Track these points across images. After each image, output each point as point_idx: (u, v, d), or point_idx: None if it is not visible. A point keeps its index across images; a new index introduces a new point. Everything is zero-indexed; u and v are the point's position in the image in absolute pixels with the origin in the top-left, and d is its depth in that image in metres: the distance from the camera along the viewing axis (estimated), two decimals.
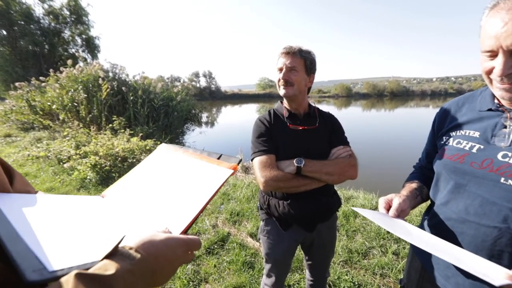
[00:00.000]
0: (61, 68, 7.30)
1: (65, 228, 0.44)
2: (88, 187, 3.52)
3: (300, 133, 1.15)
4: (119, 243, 0.36)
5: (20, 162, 4.64)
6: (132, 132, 5.37)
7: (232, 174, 0.57)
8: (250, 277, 1.89)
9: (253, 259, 2.09)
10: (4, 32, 18.06)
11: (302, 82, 1.13)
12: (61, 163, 4.29)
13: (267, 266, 1.30)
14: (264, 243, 1.25)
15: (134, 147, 4.46)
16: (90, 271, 0.32)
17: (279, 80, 1.13)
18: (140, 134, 5.18)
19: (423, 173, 0.96)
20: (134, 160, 4.15)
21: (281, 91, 1.13)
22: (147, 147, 4.60)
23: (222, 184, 0.55)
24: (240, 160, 0.61)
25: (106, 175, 3.79)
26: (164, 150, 0.75)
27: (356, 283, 1.87)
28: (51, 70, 7.61)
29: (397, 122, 16.29)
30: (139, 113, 6.66)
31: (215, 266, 2.03)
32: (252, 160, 1.14)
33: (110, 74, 7.43)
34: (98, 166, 3.80)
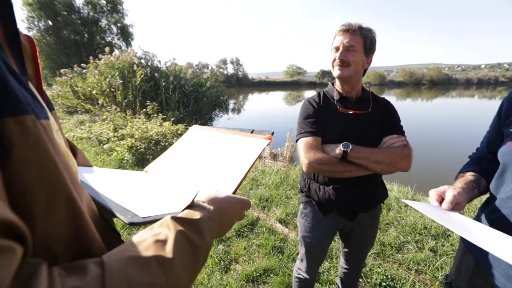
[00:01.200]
0: (100, 56, 7.73)
1: (131, 192, 0.48)
2: (125, 167, 3.75)
3: (350, 117, 1.09)
4: (195, 196, 0.41)
5: None
6: (164, 117, 5.58)
7: (268, 144, 0.59)
8: (279, 261, 1.90)
9: (282, 244, 2.10)
10: (50, 23, 19.48)
11: (360, 63, 1.05)
12: (101, 144, 4.61)
13: (302, 250, 1.29)
14: (302, 226, 1.24)
15: (166, 131, 4.64)
16: (180, 215, 0.37)
17: (334, 60, 1.06)
18: (172, 119, 5.37)
19: (481, 164, 0.86)
20: (167, 144, 4.33)
21: (336, 72, 1.07)
22: (178, 132, 4.76)
23: (260, 154, 0.57)
24: (273, 133, 0.63)
25: (141, 156, 4.00)
26: (197, 130, 0.78)
27: (389, 276, 1.80)
28: (90, 57, 8.08)
29: (435, 113, 15.04)
30: (170, 98, 6.89)
31: (244, 248, 2.08)
32: (297, 141, 1.11)
33: (143, 61, 7.73)
34: (134, 148, 4.02)
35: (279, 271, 1.80)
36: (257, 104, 20.62)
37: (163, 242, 0.33)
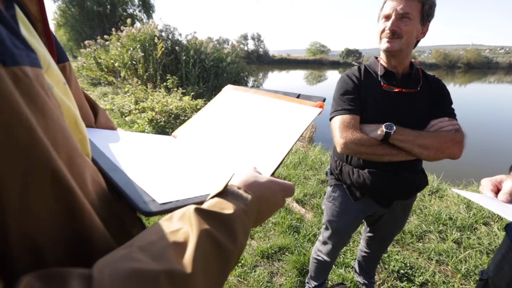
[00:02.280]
0: (122, 27, 7.70)
1: (154, 165, 0.42)
2: None
3: (394, 96, 0.97)
4: (229, 180, 0.33)
5: None
6: (184, 91, 5.57)
7: (320, 113, 0.49)
8: (295, 240, 1.89)
9: (298, 224, 2.08)
10: None
11: (414, 34, 0.91)
12: (123, 116, 4.71)
13: (325, 234, 1.25)
14: (328, 209, 1.18)
15: (186, 105, 4.64)
16: (207, 207, 0.29)
17: (382, 31, 0.93)
18: (192, 94, 5.35)
19: None
20: (186, 118, 4.34)
21: (383, 44, 0.94)
22: (198, 106, 4.75)
23: (309, 124, 0.48)
24: (324, 99, 0.53)
25: (161, 130, 4.06)
26: (232, 90, 0.68)
27: (408, 264, 1.75)
28: (113, 29, 8.08)
29: (468, 99, 13.92)
30: (190, 73, 6.82)
31: (260, 225, 2.09)
32: (331, 119, 1.02)
33: (164, 34, 7.62)
34: (154, 121, 4.08)
35: (295, 250, 1.79)
36: (277, 83, 20.16)
37: (181, 247, 0.24)
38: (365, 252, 1.36)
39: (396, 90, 0.97)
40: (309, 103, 0.51)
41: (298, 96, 0.55)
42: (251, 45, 44.83)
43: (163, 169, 0.41)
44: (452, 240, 2.01)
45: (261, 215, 0.36)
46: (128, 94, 5.58)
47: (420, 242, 2.01)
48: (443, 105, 0.98)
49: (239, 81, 8.70)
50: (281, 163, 0.43)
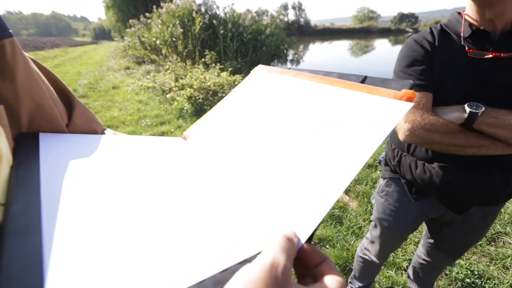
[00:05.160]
0: (161, 4, 7.70)
1: (140, 201, 0.26)
2: (185, 117, 3.88)
3: (486, 64, 0.69)
4: None
5: (136, 91, 5.47)
6: (222, 67, 5.46)
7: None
8: (337, 232, 1.72)
9: (341, 214, 1.89)
10: None
11: None
12: (164, 93, 4.82)
13: (374, 232, 1.06)
14: (379, 205, 0.98)
15: (224, 81, 4.54)
16: None
17: None
18: (230, 69, 5.21)
19: None
20: (224, 95, 4.26)
21: None
22: (236, 82, 4.62)
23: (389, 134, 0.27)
24: (412, 85, 0.30)
25: (200, 107, 4.06)
26: (264, 73, 0.49)
27: (476, 272, 1.47)
28: (154, 6, 8.15)
29: None
30: (228, 47, 6.65)
31: None
32: None
33: (202, 8, 7.45)
34: (193, 98, 4.07)
35: (337, 243, 1.63)
36: (319, 55, 18.87)
37: None
38: (423, 260, 1.13)
39: (490, 55, 0.68)
40: (387, 92, 0.30)
41: (364, 79, 0.33)
42: (291, 16, 42.27)
43: (154, 210, 0.25)
44: None
45: None
46: (168, 71, 5.67)
47: (491, 246, 1.68)
48: None
49: (278, 55, 8.27)
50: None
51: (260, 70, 0.52)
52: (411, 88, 0.29)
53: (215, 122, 0.45)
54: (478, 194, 0.75)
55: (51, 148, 0.29)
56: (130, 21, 9.18)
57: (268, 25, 7.32)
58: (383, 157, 1.01)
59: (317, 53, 20.71)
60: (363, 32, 44.84)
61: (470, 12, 0.72)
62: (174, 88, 4.64)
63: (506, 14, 0.67)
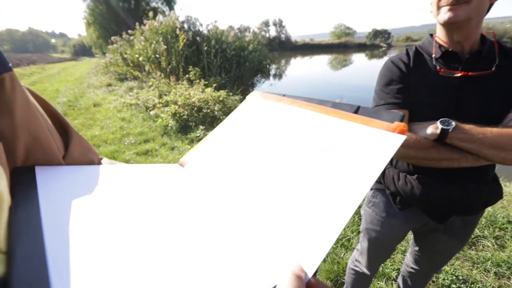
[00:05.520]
0: (144, 21, 7.75)
1: (141, 232, 0.26)
2: (169, 134, 3.83)
3: (456, 83, 0.75)
4: None
5: (118, 108, 5.37)
6: (206, 82, 5.50)
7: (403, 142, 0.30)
8: None
9: None
10: None
11: None
12: (148, 110, 4.76)
13: (363, 244, 1.08)
14: (367, 216, 1.01)
15: (208, 97, 4.57)
16: None
17: None
18: (214, 85, 5.26)
19: None
20: (208, 111, 4.27)
21: (444, 15, 0.71)
22: (220, 98, 4.66)
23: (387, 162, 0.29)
24: (403, 116, 0.32)
25: (185, 123, 4.03)
26: (260, 99, 0.50)
27: (461, 277, 1.52)
28: (136, 23, 8.18)
29: None
30: (212, 63, 6.73)
31: None
32: None
33: (185, 26, 7.57)
34: (178, 115, 4.05)
35: (327, 257, 1.64)
36: (300, 69, 19.50)
37: None
38: (412, 268, 1.16)
39: (459, 74, 0.74)
40: (381, 124, 0.31)
41: (358, 109, 0.35)
42: (272, 32, 43.73)
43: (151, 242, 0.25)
44: None
45: None
46: (152, 88, 5.64)
47: (472, 250, 1.76)
48: None
49: (262, 70, 8.47)
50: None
51: (255, 96, 0.53)
52: (402, 120, 0.32)
53: (212, 149, 0.45)
54: (454, 205, 0.80)
55: (49, 182, 0.28)
56: (112, 38, 9.13)
57: (251, 41, 7.53)
58: None
59: (299, 67, 21.40)
60: (341, 47, 47.06)
61: (440, 35, 0.79)
62: (158, 105, 4.60)
63: (472, 36, 0.74)
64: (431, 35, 0.83)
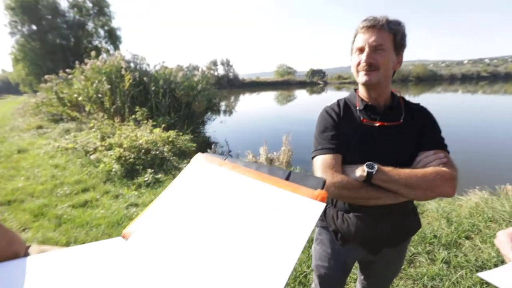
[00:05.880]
0: (86, 60, 7.41)
1: None
2: (113, 180, 3.52)
3: (376, 131, 0.91)
4: None
5: (51, 153, 4.78)
6: (154, 123, 5.35)
7: (323, 209, 0.36)
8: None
9: None
10: (34, 27, 18.86)
11: (390, 65, 0.88)
12: (88, 154, 4.35)
13: (316, 280, 1.13)
14: (316, 253, 1.08)
15: (157, 138, 4.42)
16: None
17: (358, 64, 0.89)
18: (163, 125, 5.14)
19: None
20: (157, 152, 4.10)
21: (361, 78, 0.89)
22: (170, 139, 4.55)
23: (312, 229, 0.34)
24: (325, 182, 0.40)
25: (131, 167, 3.77)
26: (203, 165, 0.54)
27: None
28: (76, 62, 7.75)
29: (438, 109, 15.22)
30: (160, 103, 6.64)
31: None
32: (313, 158, 0.94)
33: (132, 65, 7.46)
34: (123, 158, 3.79)
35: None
36: (249, 105, 20.54)
37: None
38: None
39: (377, 124, 0.92)
40: (306, 191, 0.38)
41: (289, 175, 0.42)
42: (221, 70, 45.81)
43: None
44: (441, 261, 1.98)
45: None
46: (93, 129, 5.23)
47: (411, 267, 1.95)
48: (429, 136, 0.92)
49: (212, 108, 8.65)
50: None
51: (199, 159, 0.56)
52: (323, 185, 0.39)
53: (157, 218, 0.46)
54: (385, 238, 0.92)
55: None
56: (46, 76, 8.40)
57: (200, 81, 7.74)
58: None
59: (248, 103, 22.51)
60: (285, 84, 51.58)
61: (361, 91, 0.98)
62: (100, 148, 4.26)
63: (383, 94, 0.94)
64: (355, 90, 1.02)
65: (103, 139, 4.63)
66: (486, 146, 6.95)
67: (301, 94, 31.17)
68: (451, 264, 1.96)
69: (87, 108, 6.88)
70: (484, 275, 0.45)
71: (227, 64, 46.42)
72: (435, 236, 2.28)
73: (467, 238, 2.30)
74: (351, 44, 0.93)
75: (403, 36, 0.88)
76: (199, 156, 0.58)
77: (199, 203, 0.46)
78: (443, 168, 0.82)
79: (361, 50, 0.87)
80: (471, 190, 3.25)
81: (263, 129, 9.48)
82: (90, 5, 20.18)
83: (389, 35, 0.85)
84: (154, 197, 3.21)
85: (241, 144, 6.68)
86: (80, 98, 7.07)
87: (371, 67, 0.86)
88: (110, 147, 4.16)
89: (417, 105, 0.99)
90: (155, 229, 0.44)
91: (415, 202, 1.05)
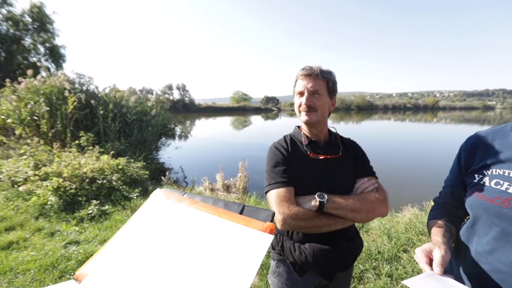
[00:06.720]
0: (20, 79, 6.62)
1: None
2: (49, 215, 3.08)
3: (321, 163, 1.03)
4: None
5: None
6: (102, 149, 4.94)
7: (271, 240, 0.42)
8: None
9: None
10: None
11: (326, 107, 1.03)
12: (16, 186, 3.76)
13: None
14: (275, 285, 1.11)
15: (105, 166, 4.07)
16: None
17: (299, 105, 1.02)
18: (112, 152, 4.77)
19: (448, 210, 0.88)
20: (105, 181, 3.76)
21: (303, 117, 1.02)
22: (119, 166, 4.22)
23: (262, 257, 0.39)
24: (274, 214, 0.46)
25: (71, 199, 3.37)
26: (162, 201, 0.56)
27: None
28: (7, 80, 6.86)
29: (363, 133, 17.27)
30: (109, 128, 6.19)
31: None
32: (266, 192, 1.00)
33: (77, 86, 6.90)
34: (62, 189, 3.37)
35: None
36: (205, 130, 20.39)
37: None
38: None
39: (322, 157, 1.04)
40: (257, 224, 0.43)
41: (242, 209, 0.47)
42: (176, 95, 45.07)
43: None
44: (385, 275, 2.17)
45: None
46: (24, 156, 4.57)
47: (361, 284, 2.10)
48: (361, 165, 1.08)
49: (166, 133, 8.37)
50: None
51: (158, 195, 0.58)
52: (272, 218, 0.45)
53: (113, 258, 0.45)
54: (337, 263, 1.00)
55: None
56: None
57: (154, 106, 7.50)
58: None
59: (204, 128, 22.35)
60: (240, 110, 53.13)
61: (304, 128, 1.11)
62: (32, 178, 3.73)
63: (323, 131, 1.08)
64: (299, 127, 1.15)
65: (37, 167, 4.08)
66: (415, 166, 8.07)
67: (256, 120, 32.33)
68: (393, 277, 2.17)
69: (17, 132, 6.02)
70: (407, 282, 0.56)
71: (183, 88, 46.03)
72: (379, 252, 2.51)
73: (405, 251, 2.59)
74: (292, 87, 1.08)
75: (334, 83, 1.05)
76: (157, 192, 0.60)
77: (157, 241, 0.47)
78: (377, 193, 0.98)
79: (301, 93, 1.02)
80: (405, 207, 3.72)
81: (220, 155, 9.44)
82: (30, 20, 18.44)
83: (323, 82, 1.01)
84: (99, 231, 2.91)
85: (197, 170, 6.52)
86: (9, 121, 6.18)
87: (310, 108, 1.01)
88: (46, 177, 3.67)
89: (349, 139, 1.17)
90: (111, 270, 0.43)
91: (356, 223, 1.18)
